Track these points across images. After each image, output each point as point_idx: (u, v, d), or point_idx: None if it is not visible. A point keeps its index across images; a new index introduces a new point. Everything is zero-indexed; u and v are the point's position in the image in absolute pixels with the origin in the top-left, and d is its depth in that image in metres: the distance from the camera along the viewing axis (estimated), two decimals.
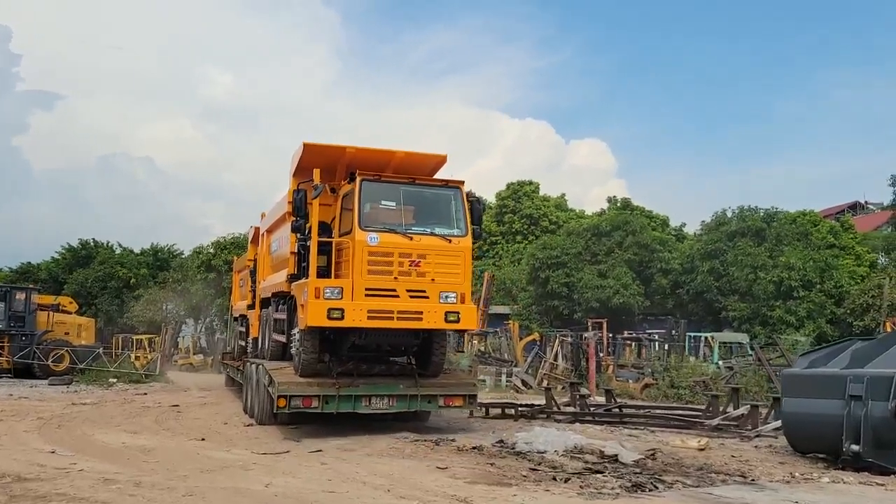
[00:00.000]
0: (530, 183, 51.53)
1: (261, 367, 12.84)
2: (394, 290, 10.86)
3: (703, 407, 15.53)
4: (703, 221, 39.07)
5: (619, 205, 49.03)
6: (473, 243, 11.53)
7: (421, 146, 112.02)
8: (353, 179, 11.15)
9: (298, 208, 11.08)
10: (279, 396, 11.03)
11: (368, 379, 11.70)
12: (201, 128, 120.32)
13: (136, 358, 27.13)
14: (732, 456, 10.42)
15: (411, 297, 10.94)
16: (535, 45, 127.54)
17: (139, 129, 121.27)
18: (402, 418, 12.51)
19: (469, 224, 11.37)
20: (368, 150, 11.83)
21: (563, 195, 53.84)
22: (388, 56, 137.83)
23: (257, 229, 17.12)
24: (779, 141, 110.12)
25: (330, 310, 10.52)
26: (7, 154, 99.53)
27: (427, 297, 10.98)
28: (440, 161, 12.27)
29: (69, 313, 28.21)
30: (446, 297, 11.00)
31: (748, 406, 13.29)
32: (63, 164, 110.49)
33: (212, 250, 43.65)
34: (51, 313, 25.74)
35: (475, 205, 11.60)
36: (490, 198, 55.35)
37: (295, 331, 11.85)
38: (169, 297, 41.51)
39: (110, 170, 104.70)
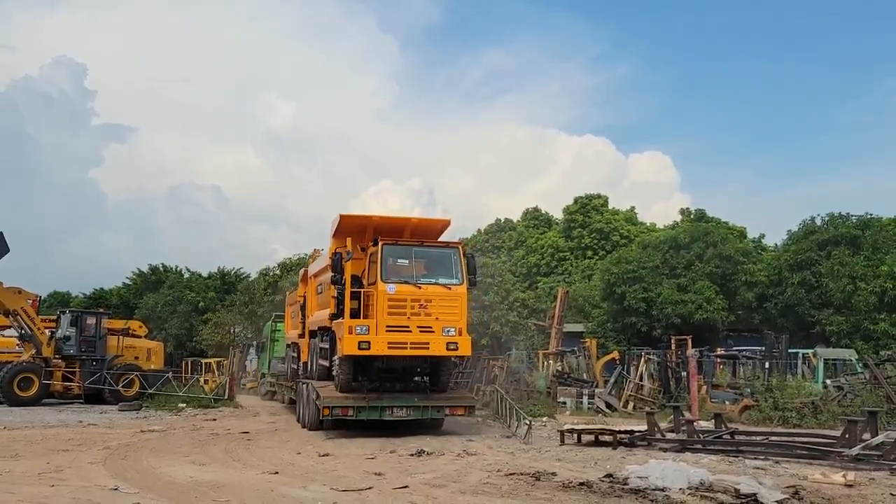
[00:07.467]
0: (599, 196, 49.83)
1: (310, 385, 15.98)
2: (407, 327, 13.87)
3: (825, 432, 13.90)
4: (790, 230, 36.59)
5: (692, 217, 46.95)
6: (469, 290, 14.57)
7: (477, 167, 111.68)
8: (377, 243, 14.08)
9: (335, 267, 14.09)
10: (324, 407, 14.21)
11: (391, 394, 14.69)
12: (264, 156, 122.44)
13: (205, 382, 26.73)
14: (892, 494, 8.77)
15: (420, 331, 13.93)
16: (591, 61, 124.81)
17: (206, 158, 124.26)
18: (422, 425, 15.11)
19: (465, 275, 14.34)
20: (389, 218, 15.22)
21: (633, 208, 51.95)
22: (445, 79, 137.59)
23: (306, 271, 20.04)
24: (847, 150, 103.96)
25: (360, 342, 13.59)
26: (84, 186, 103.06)
27: (433, 332, 13.96)
28: (445, 224, 15.51)
29: (139, 337, 28.02)
30: (447, 331, 13.99)
31: (889, 433, 11.52)
32: (135, 194, 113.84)
33: (278, 271, 43.47)
34: (121, 338, 25.45)
35: (470, 260, 14.72)
36: (556, 213, 54.07)
37: (335, 357, 14.70)
38: (236, 320, 41.36)
39: (179, 198, 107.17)
